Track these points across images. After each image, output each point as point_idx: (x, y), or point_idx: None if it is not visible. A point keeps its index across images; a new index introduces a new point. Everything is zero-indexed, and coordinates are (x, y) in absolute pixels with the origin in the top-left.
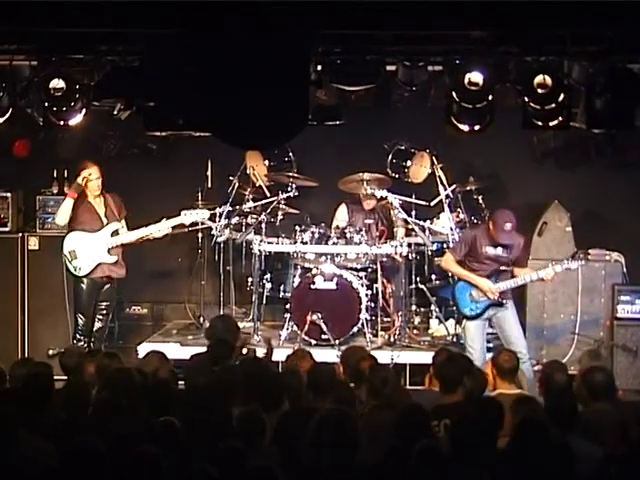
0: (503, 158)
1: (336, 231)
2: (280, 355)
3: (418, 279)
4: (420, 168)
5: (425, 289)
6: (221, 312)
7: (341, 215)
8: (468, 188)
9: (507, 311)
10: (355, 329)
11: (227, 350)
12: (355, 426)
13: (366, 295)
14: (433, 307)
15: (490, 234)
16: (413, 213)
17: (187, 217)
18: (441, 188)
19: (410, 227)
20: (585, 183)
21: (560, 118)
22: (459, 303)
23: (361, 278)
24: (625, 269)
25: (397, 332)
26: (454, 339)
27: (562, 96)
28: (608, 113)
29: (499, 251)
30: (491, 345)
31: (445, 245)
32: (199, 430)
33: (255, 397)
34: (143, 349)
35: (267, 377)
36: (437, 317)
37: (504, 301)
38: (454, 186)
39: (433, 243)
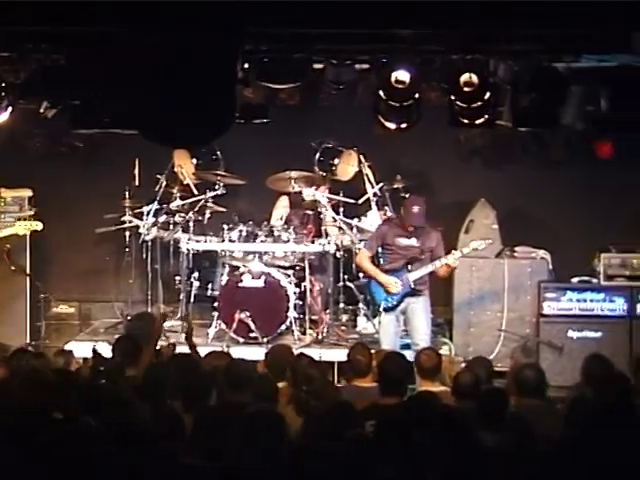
0: (430, 156)
1: (265, 228)
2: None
3: (346, 277)
4: (348, 166)
5: (353, 287)
6: (149, 310)
7: (282, 205)
8: (395, 186)
9: (419, 305)
10: (283, 327)
11: (133, 348)
12: (282, 424)
13: (294, 293)
14: (361, 305)
15: (401, 224)
16: (341, 211)
17: None
18: (368, 186)
19: (338, 225)
20: (511, 181)
21: (486, 116)
22: (375, 297)
23: (289, 276)
24: (551, 266)
25: (325, 330)
26: None
27: (488, 94)
28: (533, 111)
29: (412, 241)
30: (409, 342)
31: None
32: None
33: (184, 394)
34: (70, 348)
35: (198, 374)
36: (365, 314)
37: (418, 288)
38: (381, 184)
39: (360, 241)
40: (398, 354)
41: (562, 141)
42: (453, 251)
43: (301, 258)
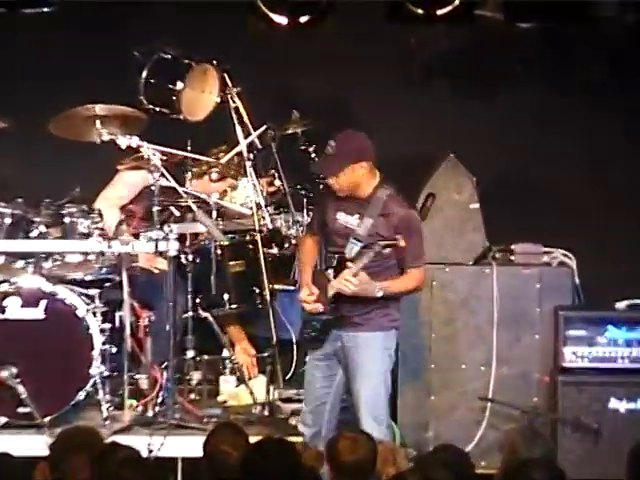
0: (355, 76)
1: (46, 211)
2: None
3: (198, 300)
4: (201, 95)
5: (211, 319)
6: None
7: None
8: (290, 131)
9: (358, 349)
10: (81, 395)
11: None
12: None
13: (102, 331)
14: (227, 352)
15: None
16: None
17: None
18: (239, 131)
19: (183, 203)
20: (504, 122)
21: (455, 2)
22: (301, 320)
23: (92, 300)
24: (578, 280)
25: (160, 400)
26: (265, 411)
27: None
28: None
29: (350, 219)
30: None
31: (248, 237)
32: None
33: None
34: None
35: None
36: (233, 371)
37: (348, 315)
38: (264, 127)
39: (226, 234)
40: (277, 441)
41: (597, 50)
42: (348, 263)
43: (114, 265)
